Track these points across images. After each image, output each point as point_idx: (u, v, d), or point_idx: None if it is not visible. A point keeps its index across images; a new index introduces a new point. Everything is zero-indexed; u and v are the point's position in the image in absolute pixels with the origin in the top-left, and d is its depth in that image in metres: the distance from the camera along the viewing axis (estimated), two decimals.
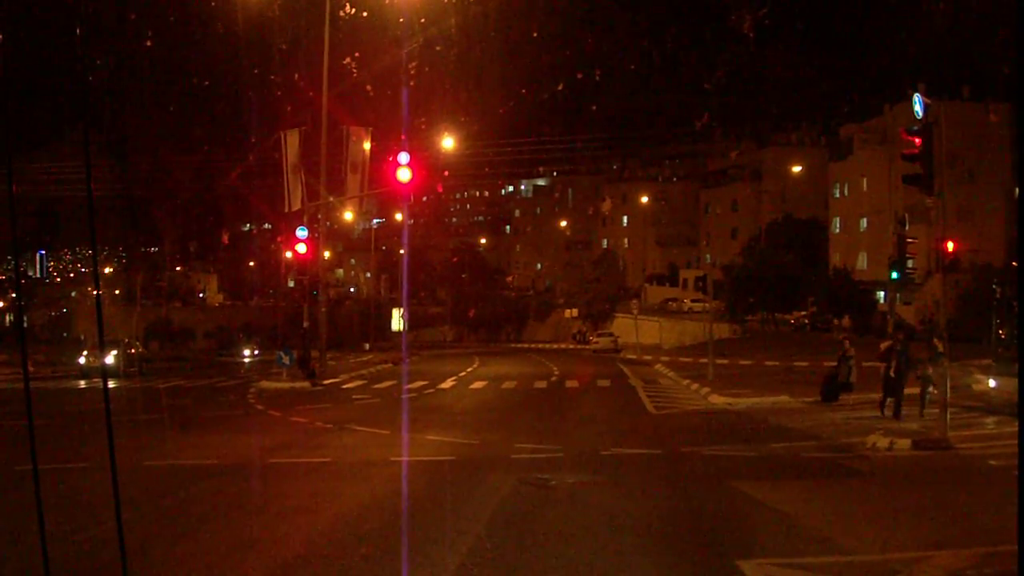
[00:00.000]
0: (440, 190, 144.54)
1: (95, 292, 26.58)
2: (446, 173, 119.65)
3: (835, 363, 37.24)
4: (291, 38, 53.81)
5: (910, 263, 35.49)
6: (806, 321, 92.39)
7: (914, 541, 14.33)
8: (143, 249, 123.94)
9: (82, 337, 78.74)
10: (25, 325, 76.62)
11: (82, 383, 52.47)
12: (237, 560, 13.48)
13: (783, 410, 34.26)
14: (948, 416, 24.56)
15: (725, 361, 54.12)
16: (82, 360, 58.84)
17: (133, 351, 64.29)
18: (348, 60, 54.54)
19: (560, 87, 77.95)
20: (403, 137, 51.67)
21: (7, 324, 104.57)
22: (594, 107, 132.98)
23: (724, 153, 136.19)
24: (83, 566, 12.13)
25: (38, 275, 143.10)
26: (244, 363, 74.68)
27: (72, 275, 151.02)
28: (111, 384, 48.30)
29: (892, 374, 30.23)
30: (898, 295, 46.65)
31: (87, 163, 6.37)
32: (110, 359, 55.32)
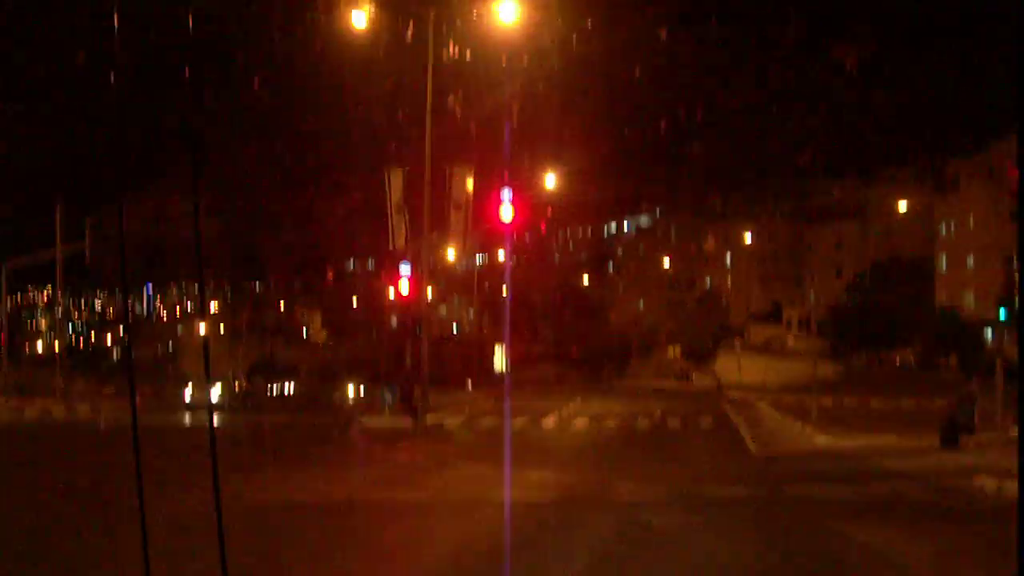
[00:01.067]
0: (544, 229, 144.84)
1: (203, 326, 27.01)
2: (549, 212, 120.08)
3: (951, 403, 36.24)
4: (395, 79, 54.39)
5: (1019, 301, 34.98)
6: (912, 360, 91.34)
7: None
8: (248, 286, 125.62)
9: (187, 372, 79.82)
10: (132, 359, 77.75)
11: (187, 418, 53.03)
12: None
13: (889, 451, 33.82)
14: None
15: (829, 401, 53.56)
16: (187, 395, 59.46)
17: (237, 387, 65.02)
18: (451, 99, 54.97)
19: (662, 126, 77.95)
20: (505, 175, 51.97)
21: (115, 358, 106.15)
22: (695, 146, 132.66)
23: (827, 191, 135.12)
24: None
25: (145, 311, 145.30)
26: (347, 400, 75.14)
27: (179, 311, 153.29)
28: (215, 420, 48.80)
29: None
30: (1007, 334, 45.81)
31: (196, 204, 6.49)
32: (215, 394, 55.93)
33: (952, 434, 33.66)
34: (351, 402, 71.49)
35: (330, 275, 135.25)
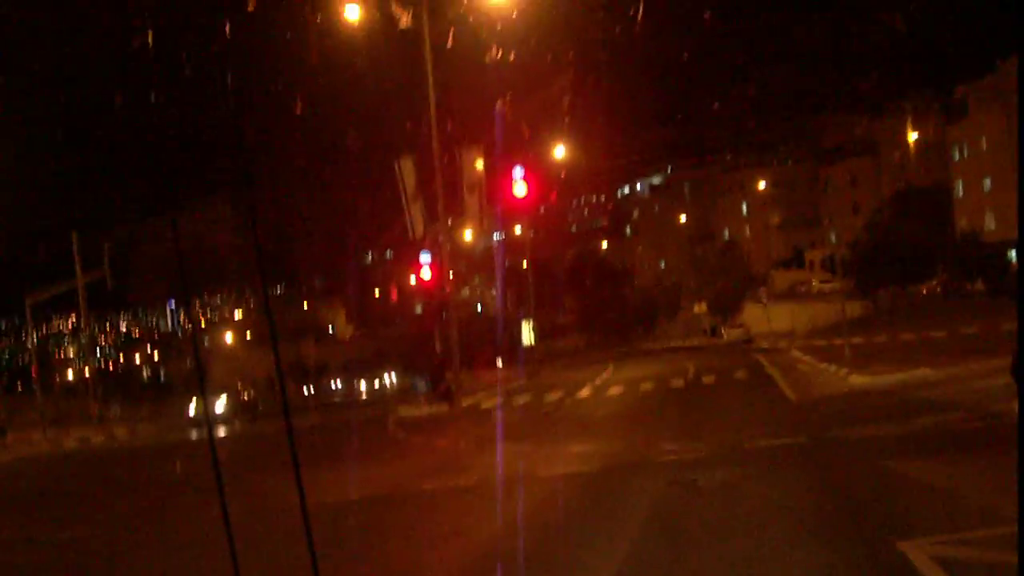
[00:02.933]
0: (558, 200, 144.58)
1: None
2: (562, 182, 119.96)
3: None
4: (397, 69, 54.46)
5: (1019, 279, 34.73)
6: (937, 290, 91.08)
7: None
8: (271, 291, 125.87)
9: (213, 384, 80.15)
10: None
11: (193, 434, 52.73)
12: None
13: (926, 383, 33.69)
14: None
15: (860, 340, 53.39)
16: (191, 411, 59.03)
17: (246, 397, 64.53)
18: (454, 82, 54.91)
19: (668, 83, 77.88)
20: (510, 153, 51.98)
21: (145, 377, 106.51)
22: (700, 99, 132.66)
23: (837, 129, 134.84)
24: None
25: (170, 328, 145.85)
26: (380, 392, 75.30)
27: (203, 325, 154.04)
28: (223, 433, 49.13)
29: None
30: None
31: (253, 220, 6.43)
32: (220, 407, 56.11)
33: None
34: (385, 394, 71.69)
35: (351, 270, 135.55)
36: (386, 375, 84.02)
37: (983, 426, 22.71)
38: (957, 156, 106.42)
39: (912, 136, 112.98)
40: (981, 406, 25.64)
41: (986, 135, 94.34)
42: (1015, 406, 23.90)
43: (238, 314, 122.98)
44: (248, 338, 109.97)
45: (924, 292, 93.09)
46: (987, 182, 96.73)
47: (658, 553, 14.05)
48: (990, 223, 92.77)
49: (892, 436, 22.91)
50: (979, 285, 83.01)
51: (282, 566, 13.65)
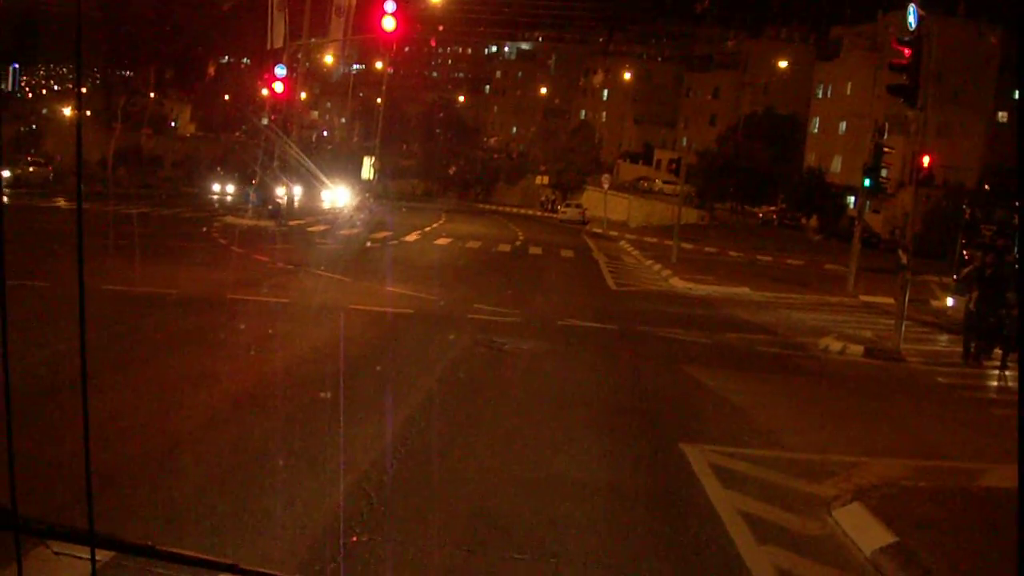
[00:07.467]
0: (434, 44, 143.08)
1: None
2: (441, 28, 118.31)
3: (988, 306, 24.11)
4: None
5: (884, 172, 35.55)
6: (774, 216, 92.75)
7: (855, 446, 14.39)
8: (119, 72, 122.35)
9: (58, 157, 78.15)
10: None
11: (62, 201, 52.20)
12: (189, 391, 13.54)
13: (742, 301, 34.44)
14: (903, 328, 24.74)
15: (690, 246, 54.22)
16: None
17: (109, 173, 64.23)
18: None
19: None
20: None
21: None
22: None
23: (713, 39, 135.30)
24: (42, 384, 12.15)
25: (10, 89, 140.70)
26: (211, 197, 74.32)
27: (45, 92, 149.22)
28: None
29: (972, 307, 24.15)
30: (868, 202, 46.66)
31: None
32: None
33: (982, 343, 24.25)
34: (214, 198, 70.70)
35: (211, 70, 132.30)
36: (219, 181, 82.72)
37: (783, 353, 23.33)
38: (820, 94, 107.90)
39: (781, 63, 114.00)
40: (787, 334, 26.37)
41: (852, 80, 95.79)
42: (819, 342, 24.75)
43: (83, 88, 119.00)
44: (88, 115, 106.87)
45: (760, 216, 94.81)
46: (843, 125, 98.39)
47: (452, 408, 14.19)
48: (836, 165, 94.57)
49: (698, 344, 23.42)
50: (813, 221, 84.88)
51: (57, 353, 13.59)
